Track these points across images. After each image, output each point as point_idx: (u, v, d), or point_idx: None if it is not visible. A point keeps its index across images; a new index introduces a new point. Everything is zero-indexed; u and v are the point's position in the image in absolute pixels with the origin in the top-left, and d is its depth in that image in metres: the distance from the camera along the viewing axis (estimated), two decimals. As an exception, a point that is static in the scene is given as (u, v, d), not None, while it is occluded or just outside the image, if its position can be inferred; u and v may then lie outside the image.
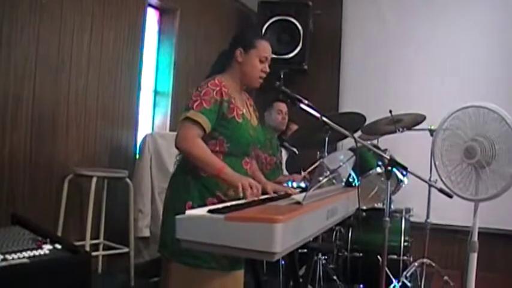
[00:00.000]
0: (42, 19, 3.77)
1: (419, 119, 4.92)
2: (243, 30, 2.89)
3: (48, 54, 3.85)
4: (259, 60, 2.73)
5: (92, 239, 3.90)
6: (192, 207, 2.45)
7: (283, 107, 4.91)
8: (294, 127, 5.20)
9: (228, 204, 2.17)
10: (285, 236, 1.74)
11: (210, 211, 1.92)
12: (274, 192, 2.81)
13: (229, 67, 2.78)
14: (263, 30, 6.47)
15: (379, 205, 5.06)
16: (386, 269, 4.49)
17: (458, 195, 3.40)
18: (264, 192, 2.86)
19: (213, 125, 2.58)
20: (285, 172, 5.14)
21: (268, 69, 2.78)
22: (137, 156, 4.67)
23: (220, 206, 2.08)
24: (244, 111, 2.74)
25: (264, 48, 2.75)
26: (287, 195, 2.69)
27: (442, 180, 3.45)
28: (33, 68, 3.73)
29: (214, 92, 2.59)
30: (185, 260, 2.50)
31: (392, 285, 4.64)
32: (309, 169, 4.55)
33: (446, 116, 3.46)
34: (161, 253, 2.70)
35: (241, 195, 2.41)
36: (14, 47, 3.58)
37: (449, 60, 6.34)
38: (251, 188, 2.43)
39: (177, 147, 2.57)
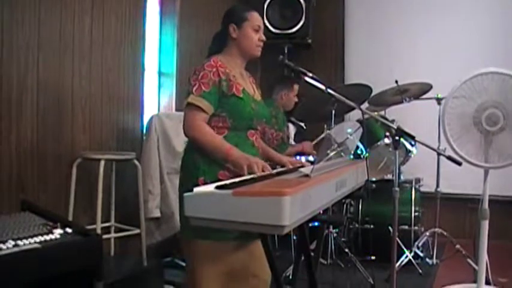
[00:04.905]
0: (42, 3, 3.73)
1: (425, 88, 4.90)
2: (231, 7, 2.91)
3: (50, 39, 3.81)
4: (253, 31, 2.79)
5: (102, 222, 3.90)
6: (205, 183, 2.46)
7: (297, 89, 4.97)
8: None
9: (236, 179, 2.16)
10: (293, 209, 1.73)
11: (217, 187, 1.91)
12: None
13: (225, 46, 2.83)
14: (265, 6, 6.42)
15: (389, 176, 5.07)
16: (398, 239, 4.50)
17: (470, 163, 3.37)
18: (282, 166, 2.90)
19: (215, 107, 2.63)
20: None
21: (264, 37, 2.84)
22: (144, 138, 4.66)
23: (228, 181, 2.07)
24: (245, 86, 2.76)
25: (256, 18, 2.82)
26: (295, 168, 2.69)
27: (452, 148, 3.41)
28: (35, 53, 3.70)
29: (211, 74, 2.63)
30: (210, 235, 2.50)
31: (404, 256, 4.66)
32: (318, 138, 4.57)
33: (459, 84, 3.40)
34: (184, 235, 2.69)
35: (246, 174, 2.41)
36: (16, 33, 3.55)
37: (455, 28, 6.28)
38: (257, 166, 2.44)
39: (185, 135, 2.63)
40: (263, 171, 2.45)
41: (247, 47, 2.79)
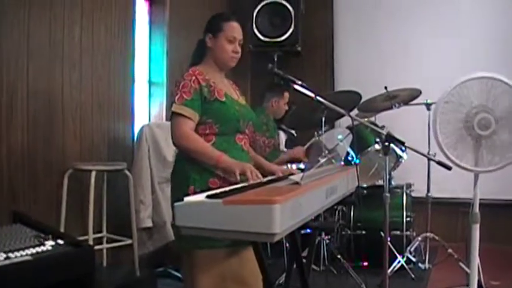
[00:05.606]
0: (32, 13, 3.73)
1: (415, 93, 4.92)
2: (212, 17, 2.92)
3: (39, 48, 3.81)
4: (228, 42, 2.80)
5: (94, 232, 3.90)
6: (196, 191, 2.48)
7: (288, 97, 5.00)
8: None
9: (226, 188, 2.17)
10: (283, 217, 1.73)
11: (208, 196, 1.92)
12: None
13: (205, 55, 2.87)
14: (254, 14, 6.43)
15: (380, 182, 5.08)
16: (390, 245, 4.52)
17: (461, 167, 3.38)
18: (272, 175, 2.91)
19: (199, 113, 2.66)
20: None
21: (239, 49, 2.85)
22: (135, 147, 4.66)
23: (218, 191, 2.08)
24: (227, 91, 2.79)
25: (232, 29, 2.82)
26: (285, 176, 2.70)
27: (443, 152, 3.42)
28: (25, 62, 3.69)
29: (192, 82, 2.67)
30: (202, 244, 2.50)
31: (397, 261, 4.66)
32: (310, 142, 4.58)
33: (449, 89, 3.41)
34: (181, 246, 2.69)
35: (238, 179, 2.43)
36: (5, 42, 3.54)
37: (445, 33, 6.30)
38: (250, 172, 2.47)
39: (174, 145, 2.66)
40: (255, 174, 2.47)
41: (220, 58, 2.82)
